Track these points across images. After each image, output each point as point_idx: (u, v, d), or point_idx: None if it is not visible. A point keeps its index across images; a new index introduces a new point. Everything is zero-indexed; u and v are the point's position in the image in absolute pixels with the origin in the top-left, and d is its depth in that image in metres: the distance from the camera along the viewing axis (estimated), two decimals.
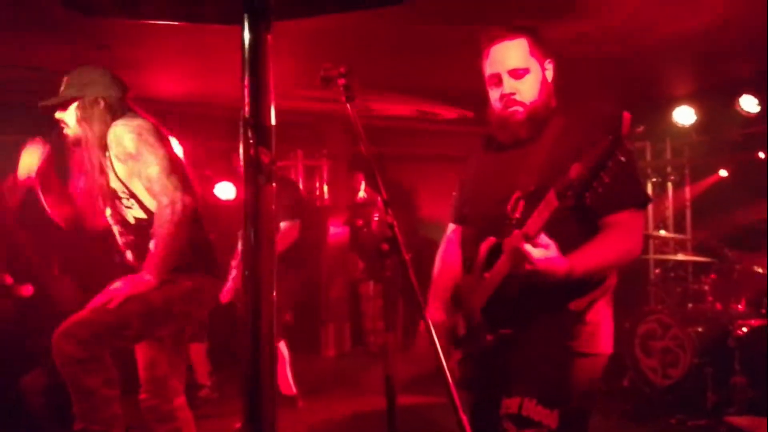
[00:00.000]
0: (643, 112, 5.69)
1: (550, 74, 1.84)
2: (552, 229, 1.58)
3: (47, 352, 3.54)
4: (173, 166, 2.38)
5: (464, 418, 1.48)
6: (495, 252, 1.74)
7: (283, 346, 4.41)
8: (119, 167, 2.41)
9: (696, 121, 5.41)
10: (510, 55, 1.79)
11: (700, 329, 4.31)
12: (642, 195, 1.79)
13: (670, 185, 6.02)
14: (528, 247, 1.56)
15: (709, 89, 5.26)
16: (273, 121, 0.78)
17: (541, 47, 1.83)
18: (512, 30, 1.81)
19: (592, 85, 4.83)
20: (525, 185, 1.73)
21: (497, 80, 1.81)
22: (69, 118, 2.45)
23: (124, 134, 2.35)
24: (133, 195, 2.42)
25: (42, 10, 3.17)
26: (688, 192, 6.01)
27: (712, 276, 4.67)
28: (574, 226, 1.70)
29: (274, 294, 0.86)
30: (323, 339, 6.51)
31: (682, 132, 5.68)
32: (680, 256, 5.12)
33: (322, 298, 6.62)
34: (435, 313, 1.93)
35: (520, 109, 1.79)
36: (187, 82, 5.03)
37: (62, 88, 2.46)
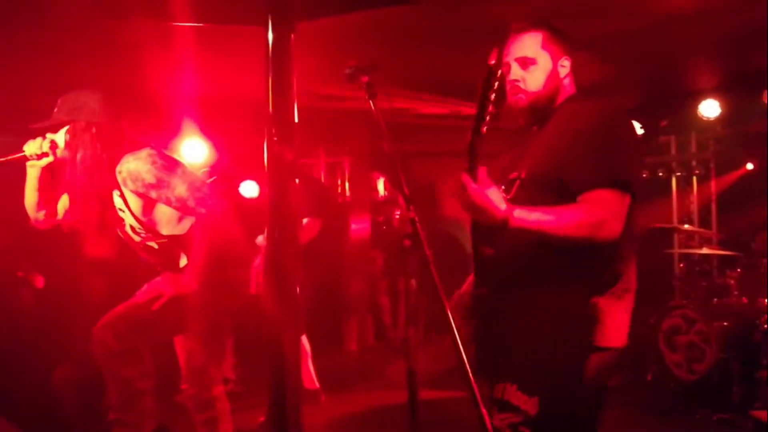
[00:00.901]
0: (667, 106, 5.64)
1: (564, 71, 1.88)
2: (531, 204, 1.65)
3: (78, 346, 3.64)
4: (194, 177, 2.46)
5: (485, 412, 1.49)
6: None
7: (304, 340, 4.46)
8: (134, 201, 2.43)
9: (721, 114, 5.33)
10: (522, 45, 1.87)
11: (725, 324, 4.27)
12: (620, 174, 1.68)
13: (695, 179, 5.95)
14: (467, 178, 1.62)
15: (734, 82, 5.18)
16: (296, 119, 0.80)
17: (559, 43, 1.88)
18: (532, 23, 1.89)
19: (615, 80, 4.78)
20: (520, 170, 1.81)
21: (507, 68, 1.87)
22: (59, 140, 2.44)
23: (140, 168, 2.35)
24: (150, 230, 2.46)
25: (69, 9, 3.24)
26: (713, 186, 5.93)
27: (738, 270, 4.61)
28: (553, 202, 1.68)
29: (298, 289, 0.88)
30: (346, 334, 6.57)
31: (708, 125, 5.61)
32: (705, 250, 5.06)
33: (344, 293, 6.68)
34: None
35: (522, 96, 1.86)
36: (213, 81, 5.10)
37: (55, 110, 2.45)
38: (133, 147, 2.43)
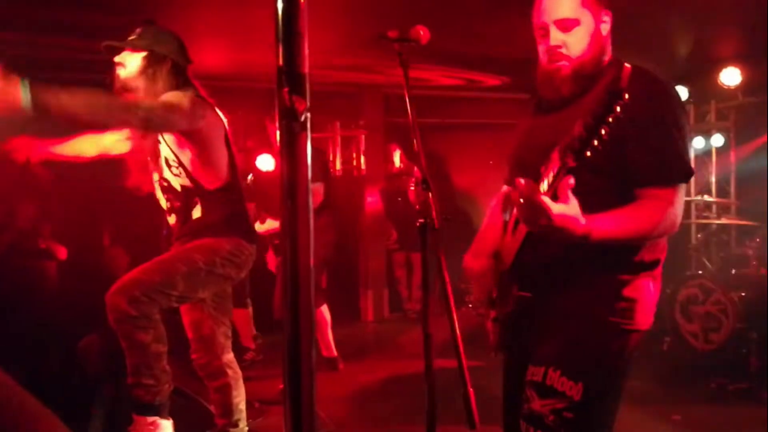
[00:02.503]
0: (686, 74, 5.53)
1: (606, 27, 1.68)
2: (588, 198, 1.45)
3: (103, 317, 3.74)
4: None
5: (471, 392, 1.50)
6: None
7: (325, 310, 4.52)
8: (170, 136, 2.49)
9: (742, 82, 5.23)
10: (560, 4, 1.64)
11: (743, 294, 4.24)
12: (683, 169, 1.61)
13: (713, 149, 5.86)
14: (546, 198, 1.40)
15: (756, 50, 5.06)
16: (307, 69, 0.81)
17: (597, 0, 1.66)
18: None
19: (634, 46, 4.70)
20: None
21: (544, 32, 1.67)
22: (132, 63, 2.45)
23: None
24: (181, 164, 2.53)
25: None
26: (733, 155, 5.84)
27: (757, 240, 4.56)
28: (613, 198, 1.57)
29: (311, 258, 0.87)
30: (363, 305, 6.64)
31: (728, 94, 5.50)
32: (723, 220, 5.01)
33: (361, 266, 6.73)
34: (470, 260, 1.86)
35: (566, 63, 1.65)
36: (228, 55, 5.11)
37: (134, 37, 2.48)
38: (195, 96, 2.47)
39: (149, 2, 3.48)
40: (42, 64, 4.69)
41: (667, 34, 4.83)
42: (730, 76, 5.25)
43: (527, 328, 1.73)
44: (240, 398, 2.71)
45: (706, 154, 5.90)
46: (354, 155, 6.80)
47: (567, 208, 1.42)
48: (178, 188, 2.58)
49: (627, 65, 1.39)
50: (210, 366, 2.68)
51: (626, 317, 1.64)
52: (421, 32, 1.64)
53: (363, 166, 6.73)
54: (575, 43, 1.65)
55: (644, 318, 1.67)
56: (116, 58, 2.49)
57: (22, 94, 1.88)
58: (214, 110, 2.55)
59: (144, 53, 2.46)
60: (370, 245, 6.68)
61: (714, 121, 5.82)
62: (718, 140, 5.80)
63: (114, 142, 2.63)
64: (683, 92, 5.65)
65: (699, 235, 5.48)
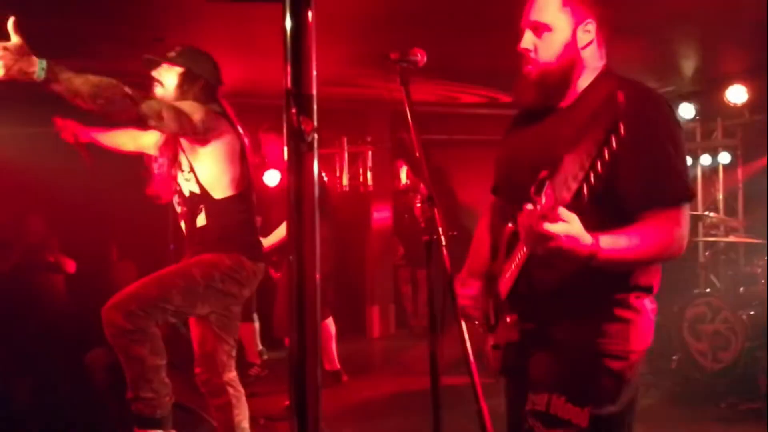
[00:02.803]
0: (693, 92, 5.54)
1: (586, 37, 1.58)
2: (585, 225, 1.38)
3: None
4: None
5: (485, 407, 1.47)
6: (515, 238, 1.57)
7: (330, 323, 4.52)
8: (186, 143, 2.57)
9: (748, 99, 5.23)
10: (538, 6, 1.60)
11: (752, 312, 4.21)
12: (684, 190, 1.54)
13: (720, 166, 5.84)
14: (547, 225, 1.32)
15: (762, 67, 5.07)
16: (314, 91, 0.83)
17: (582, 6, 1.59)
18: None
19: (638, 63, 4.72)
20: (551, 167, 1.47)
21: (522, 34, 1.62)
22: (168, 79, 2.59)
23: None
24: (192, 170, 2.59)
25: (97, 2, 3.31)
26: (740, 173, 5.83)
27: (766, 258, 4.53)
28: (606, 219, 1.48)
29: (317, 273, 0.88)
30: (368, 321, 6.63)
31: (735, 111, 5.50)
32: (731, 238, 4.98)
33: (367, 281, 6.73)
34: (465, 283, 1.82)
35: (532, 69, 1.60)
36: (236, 72, 5.16)
37: (173, 54, 2.62)
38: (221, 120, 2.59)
39: (164, 22, 3.53)
40: None
41: (674, 51, 4.85)
42: (737, 94, 5.25)
43: (528, 355, 1.67)
44: (242, 417, 2.69)
45: (713, 171, 5.89)
46: (361, 171, 6.82)
47: (569, 227, 1.35)
48: (186, 193, 2.64)
49: (620, 87, 1.33)
50: (210, 383, 2.67)
51: (625, 340, 1.58)
52: (419, 55, 1.65)
53: (370, 182, 6.76)
54: (544, 49, 1.59)
55: (641, 339, 1.61)
56: (153, 73, 2.62)
57: (37, 65, 2.04)
58: (232, 126, 2.62)
59: (181, 70, 2.59)
60: (376, 261, 6.69)
61: (721, 138, 5.82)
62: (725, 158, 5.79)
63: (152, 142, 2.72)
64: (690, 110, 5.65)
65: (707, 253, 5.45)
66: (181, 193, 2.66)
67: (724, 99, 5.31)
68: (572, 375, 1.58)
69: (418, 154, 1.64)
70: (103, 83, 2.18)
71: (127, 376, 2.42)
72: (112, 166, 3.12)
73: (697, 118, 5.70)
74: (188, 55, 2.62)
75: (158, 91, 2.59)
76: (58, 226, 4.77)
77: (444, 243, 1.59)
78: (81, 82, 2.13)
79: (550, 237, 1.34)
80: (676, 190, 1.52)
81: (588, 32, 1.59)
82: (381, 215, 6.69)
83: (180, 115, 2.39)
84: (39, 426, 3.69)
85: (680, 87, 5.49)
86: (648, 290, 1.63)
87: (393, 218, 6.65)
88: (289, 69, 0.81)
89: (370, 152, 6.72)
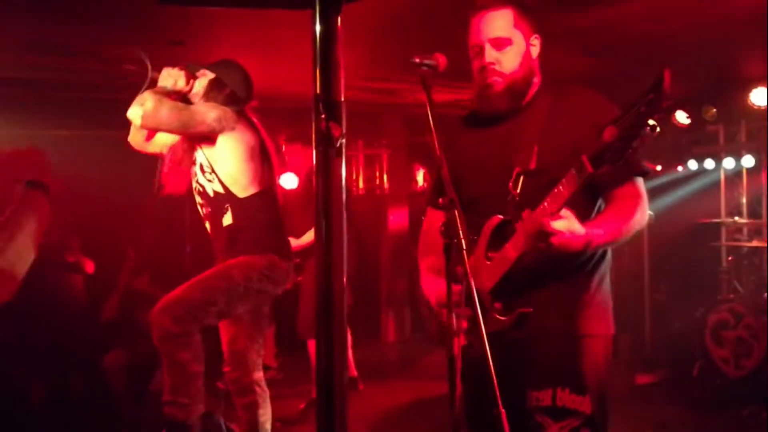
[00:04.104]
0: (715, 95, 5.46)
1: (535, 50, 1.82)
2: (540, 194, 1.60)
3: (127, 334, 3.78)
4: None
5: (503, 412, 1.48)
6: (500, 231, 1.73)
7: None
8: (207, 146, 2.65)
9: None
10: (493, 25, 1.77)
11: None
12: (644, 164, 1.77)
13: (744, 170, 5.75)
14: (554, 223, 1.54)
15: None
16: (342, 97, 0.82)
17: (528, 21, 1.80)
18: (498, 1, 1.80)
19: (661, 66, 4.66)
20: (523, 162, 1.72)
21: (479, 50, 1.79)
22: (199, 83, 2.70)
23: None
24: (214, 170, 2.66)
25: (116, 4, 3.32)
26: (764, 176, 5.72)
27: None
28: (580, 200, 1.65)
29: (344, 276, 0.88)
30: (384, 325, 6.61)
31: (758, 114, 5.41)
32: (755, 243, 4.90)
33: (383, 285, 6.71)
34: (436, 286, 1.89)
35: (499, 79, 1.77)
36: (255, 76, 5.17)
37: (213, 64, 2.74)
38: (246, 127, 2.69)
39: (184, 25, 3.54)
40: (70, 83, 4.80)
41: (696, 53, 4.79)
42: (760, 96, 5.16)
43: (513, 352, 1.72)
44: (266, 417, 2.75)
45: (736, 174, 5.80)
46: (377, 174, 6.81)
47: (570, 222, 1.56)
48: (211, 194, 2.70)
49: (666, 71, 1.45)
50: (240, 382, 2.74)
51: (601, 323, 1.77)
52: (440, 59, 1.71)
53: (386, 185, 6.74)
54: (508, 61, 1.77)
55: (611, 322, 1.80)
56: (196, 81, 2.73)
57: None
58: (249, 125, 2.69)
59: (212, 76, 2.69)
60: (392, 264, 6.66)
61: (744, 141, 5.73)
62: (748, 161, 5.69)
63: (167, 141, 2.81)
64: (713, 112, 5.57)
65: (730, 258, 5.36)
66: (204, 194, 2.72)
67: (748, 101, 5.22)
68: (568, 365, 1.71)
69: (438, 156, 1.64)
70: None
71: (168, 380, 2.49)
72: (134, 167, 3.15)
73: (721, 120, 5.62)
74: (222, 65, 2.73)
75: (181, 87, 2.66)
76: (78, 227, 4.81)
77: (465, 247, 1.59)
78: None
79: (553, 233, 1.54)
80: (634, 167, 1.72)
81: (534, 45, 1.83)
82: (397, 218, 6.67)
83: (195, 114, 2.54)
84: (55, 426, 3.72)
85: (703, 90, 5.41)
86: (595, 268, 1.80)
87: (409, 221, 6.62)
88: (318, 75, 0.80)
89: (386, 155, 6.72)
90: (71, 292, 4.52)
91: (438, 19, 3.50)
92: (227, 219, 2.66)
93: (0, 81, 4.52)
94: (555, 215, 1.55)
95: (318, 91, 0.81)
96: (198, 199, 2.77)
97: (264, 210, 2.69)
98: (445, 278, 1.74)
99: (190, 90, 2.65)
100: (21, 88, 4.72)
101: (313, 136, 0.83)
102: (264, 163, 2.70)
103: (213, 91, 2.67)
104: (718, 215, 5.52)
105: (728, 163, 5.77)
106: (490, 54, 1.77)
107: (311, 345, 4.17)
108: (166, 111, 2.47)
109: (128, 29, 3.57)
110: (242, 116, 2.68)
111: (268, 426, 2.76)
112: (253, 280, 2.59)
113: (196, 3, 0.86)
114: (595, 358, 1.74)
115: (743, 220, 5.33)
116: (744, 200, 5.71)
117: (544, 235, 1.55)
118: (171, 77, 2.59)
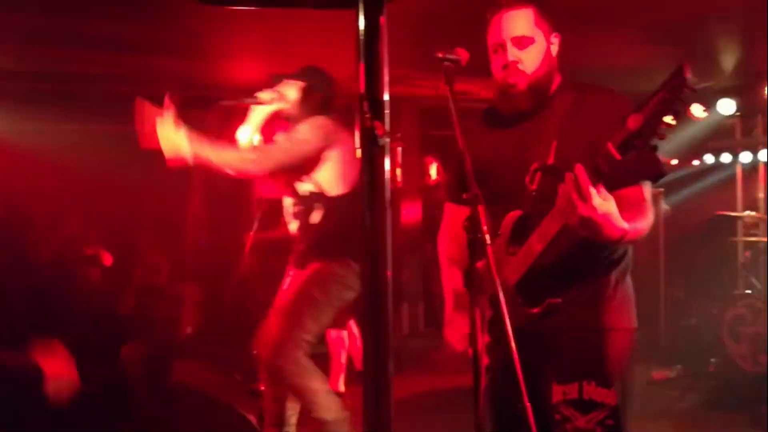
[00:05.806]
0: (733, 88, 5.41)
1: (555, 48, 1.84)
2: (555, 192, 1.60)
3: (146, 326, 3.80)
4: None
5: (528, 406, 1.50)
6: (519, 226, 1.76)
7: (352, 325, 4.52)
8: None
9: None
10: (516, 23, 1.79)
11: None
12: (660, 167, 1.75)
13: (761, 164, 5.70)
14: (596, 200, 1.50)
15: None
16: (387, 96, 0.82)
17: (548, 20, 1.82)
18: (519, 0, 1.81)
19: (675, 60, 4.62)
20: (541, 157, 1.74)
21: (501, 49, 1.80)
22: (291, 94, 2.81)
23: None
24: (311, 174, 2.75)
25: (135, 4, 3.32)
26: None
27: None
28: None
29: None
30: (397, 319, 6.62)
31: None
32: None
33: (395, 279, 6.70)
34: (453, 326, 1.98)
35: (522, 79, 1.79)
36: (276, 70, 5.16)
37: (297, 72, 2.84)
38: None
39: (204, 17, 3.55)
40: (90, 78, 4.82)
41: (714, 47, 4.74)
42: None
43: (537, 346, 1.74)
44: (293, 411, 2.81)
45: (753, 168, 5.75)
46: (390, 167, 6.81)
47: (612, 205, 1.54)
48: (302, 192, 2.78)
49: (686, 63, 1.45)
50: (268, 363, 2.75)
51: (623, 316, 1.79)
52: (461, 54, 1.73)
53: (399, 178, 6.73)
54: (530, 60, 1.78)
55: (634, 315, 1.82)
56: (279, 89, 2.82)
57: (184, 146, 2.31)
58: (347, 131, 2.77)
59: (302, 84, 2.79)
60: (405, 258, 6.66)
61: (761, 135, 5.68)
62: (765, 155, 5.65)
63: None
64: (731, 106, 5.52)
65: (747, 253, 5.32)
66: (295, 192, 2.80)
67: (765, 95, 5.17)
68: (594, 358, 1.74)
69: (462, 151, 1.64)
70: (230, 153, 2.54)
71: (301, 405, 2.68)
72: (149, 162, 3.16)
73: (738, 114, 5.57)
74: (308, 71, 2.83)
75: (282, 105, 2.79)
76: (96, 220, 4.85)
77: (489, 242, 1.59)
78: (217, 156, 2.47)
79: (595, 211, 1.51)
80: (648, 170, 1.73)
81: (554, 44, 1.84)
82: (410, 212, 6.67)
83: (293, 147, 2.66)
84: (73, 417, 3.75)
85: (720, 83, 5.36)
86: (619, 263, 1.81)
87: (422, 215, 6.62)
88: (362, 74, 0.80)
89: (399, 149, 6.70)
90: (89, 284, 4.56)
91: (459, 16, 3.49)
92: (315, 217, 2.74)
93: (19, 75, 4.54)
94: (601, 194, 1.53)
95: (362, 89, 0.82)
96: (287, 197, 2.85)
97: (350, 209, 2.73)
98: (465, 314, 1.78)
99: (284, 100, 2.76)
100: (47, 83, 4.76)
101: (358, 135, 0.84)
102: (353, 164, 2.75)
103: (306, 98, 2.77)
104: (735, 210, 5.48)
105: (745, 157, 5.72)
106: (513, 53, 1.78)
107: (329, 335, 4.19)
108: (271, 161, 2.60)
109: (146, 29, 3.58)
110: (339, 126, 2.75)
111: (294, 420, 2.82)
112: (332, 294, 2.69)
113: (236, 3, 0.86)
114: (619, 351, 1.76)
115: (761, 215, 5.28)
116: (761, 194, 5.67)
117: (585, 209, 1.52)
118: (266, 97, 2.75)
